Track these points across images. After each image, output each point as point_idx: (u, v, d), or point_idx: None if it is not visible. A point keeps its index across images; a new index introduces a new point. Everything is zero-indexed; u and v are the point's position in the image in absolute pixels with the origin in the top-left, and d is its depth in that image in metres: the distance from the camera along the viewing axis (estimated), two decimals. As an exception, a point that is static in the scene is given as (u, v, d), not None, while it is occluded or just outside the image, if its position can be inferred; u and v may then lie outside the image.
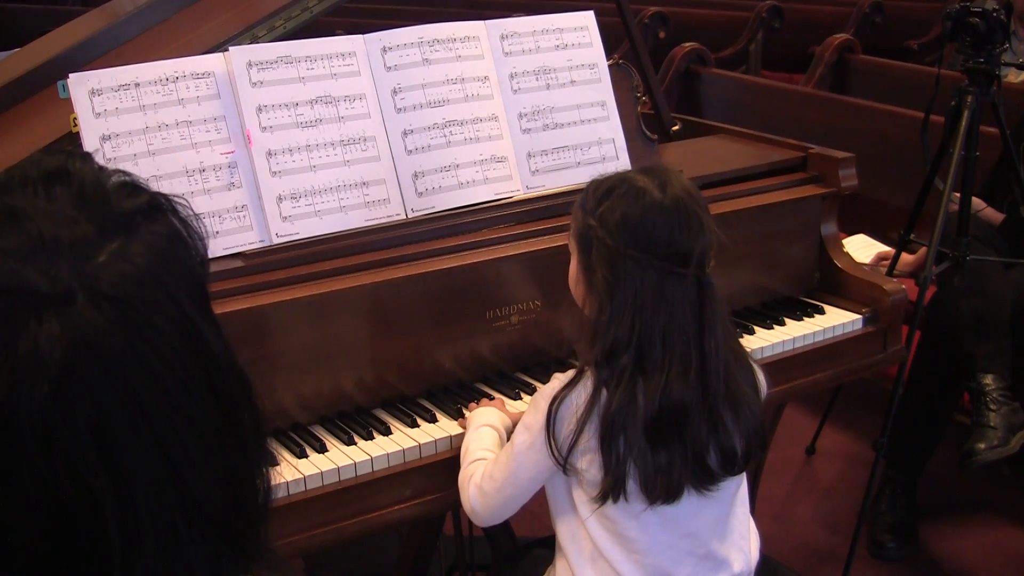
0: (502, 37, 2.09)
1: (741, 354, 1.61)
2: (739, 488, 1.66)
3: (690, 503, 1.56)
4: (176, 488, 0.74)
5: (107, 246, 0.73)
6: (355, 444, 1.75)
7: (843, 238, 2.46)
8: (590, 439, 1.52)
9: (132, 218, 0.76)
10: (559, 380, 1.58)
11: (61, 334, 0.69)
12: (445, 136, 2.00)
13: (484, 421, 1.74)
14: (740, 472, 1.61)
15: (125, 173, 0.80)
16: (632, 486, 1.51)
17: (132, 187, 0.79)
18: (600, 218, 1.53)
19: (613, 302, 1.51)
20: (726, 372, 1.53)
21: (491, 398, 1.87)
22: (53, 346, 0.68)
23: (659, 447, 1.50)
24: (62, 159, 0.79)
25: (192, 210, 0.82)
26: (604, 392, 1.51)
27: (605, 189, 1.56)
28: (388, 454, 1.73)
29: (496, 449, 1.69)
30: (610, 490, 1.51)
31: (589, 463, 1.54)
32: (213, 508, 0.76)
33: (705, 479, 1.54)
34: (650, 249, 1.49)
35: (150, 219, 0.77)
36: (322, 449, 1.73)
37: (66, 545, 0.71)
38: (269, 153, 1.84)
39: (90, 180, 0.77)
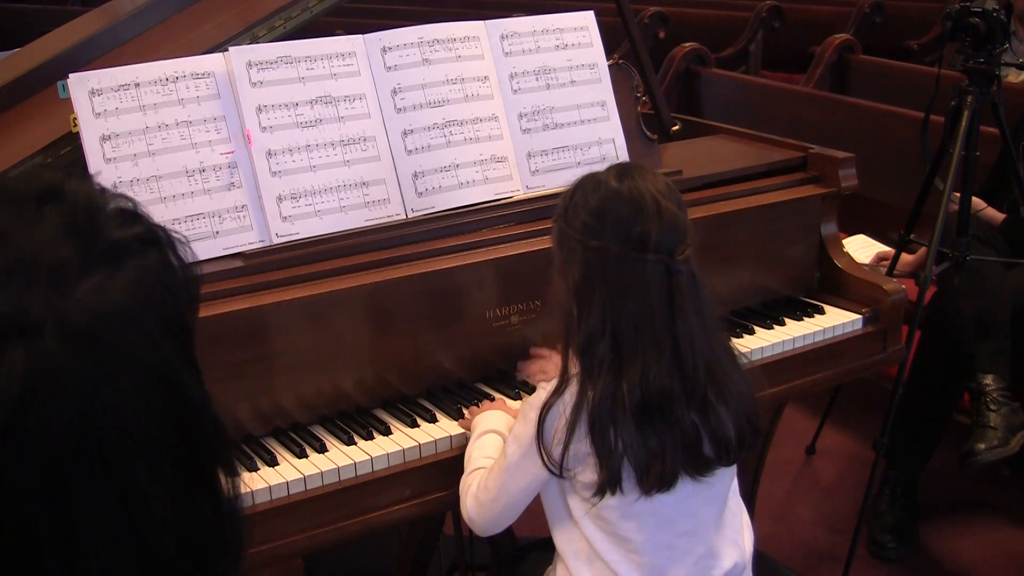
0: (502, 37, 2.09)
1: (730, 350, 1.62)
2: (731, 480, 1.67)
3: (686, 501, 1.57)
4: (132, 541, 0.71)
5: (88, 277, 0.69)
6: (355, 444, 1.75)
7: (843, 238, 2.46)
8: (581, 441, 1.52)
9: (122, 247, 0.72)
10: (544, 389, 1.59)
11: (23, 365, 0.66)
12: (445, 136, 2.00)
13: (488, 427, 1.74)
14: (735, 460, 1.61)
15: (127, 199, 0.76)
16: (627, 478, 1.52)
17: (130, 215, 0.75)
18: (567, 218, 1.56)
19: (583, 294, 1.53)
20: (708, 359, 1.53)
21: (491, 398, 1.87)
22: (12, 378, 0.65)
23: (649, 434, 1.50)
24: (59, 178, 0.75)
25: (190, 249, 0.78)
26: (589, 390, 1.52)
27: (571, 190, 1.59)
28: (388, 454, 1.73)
29: (498, 455, 1.69)
30: (606, 483, 1.52)
31: (584, 467, 1.54)
32: (171, 563, 0.73)
33: (700, 466, 1.54)
34: (611, 237, 1.51)
35: (141, 251, 0.74)
36: (322, 449, 1.73)
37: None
38: (269, 153, 1.84)
39: (83, 203, 0.74)
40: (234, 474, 0.81)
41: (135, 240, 0.74)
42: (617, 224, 1.51)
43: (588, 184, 1.57)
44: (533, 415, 1.56)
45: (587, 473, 1.54)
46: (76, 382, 0.67)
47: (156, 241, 0.75)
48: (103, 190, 0.76)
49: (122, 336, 0.70)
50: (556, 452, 1.54)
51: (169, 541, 0.73)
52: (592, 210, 1.53)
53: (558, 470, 1.55)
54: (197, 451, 0.76)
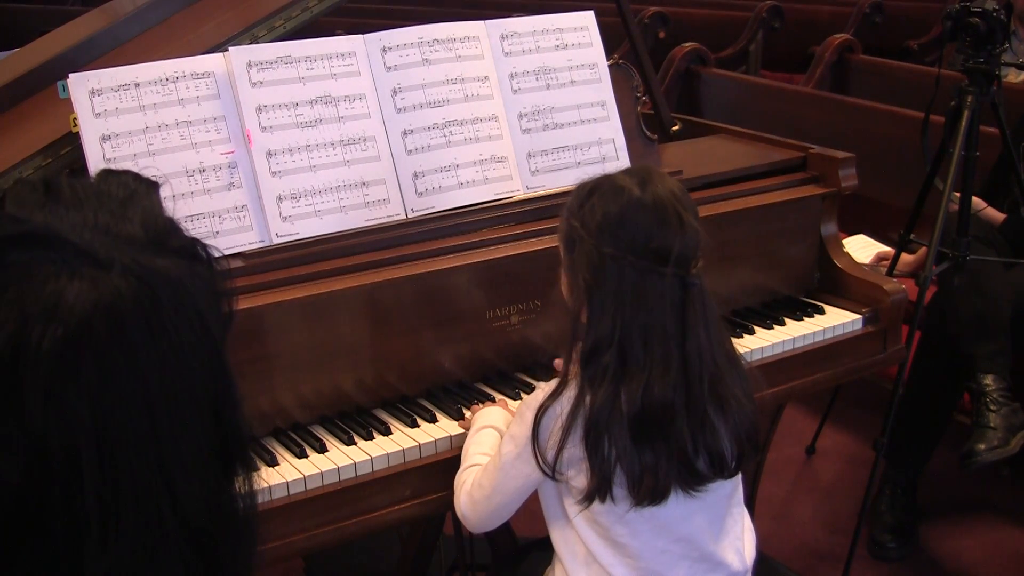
0: (502, 37, 2.09)
1: (735, 358, 1.60)
2: (734, 489, 1.66)
3: (681, 507, 1.56)
4: (164, 485, 0.74)
5: (150, 251, 0.76)
6: (355, 444, 1.75)
7: (843, 238, 2.46)
8: (575, 446, 1.52)
9: (176, 250, 0.79)
10: (543, 391, 1.58)
11: (89, 292, 0.71)
12: (445, 136, 2.00)
13: (486, 422, 1.74)
14: (732, 476, 1.59)
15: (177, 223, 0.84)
16: (618, 487, 1.51)
17: (180, 231, 0.83)
18: (582, 219, 1.53)
19: (594, 301, 1.51)
20: (712, 375, 1.52)
21: (492, 399, 1.87)
22: (78, 300, 0.70)
23: (644, 447, 1.49)
24: (130, 177, 0.85)
25: (229, 273, 0.85)
26: (588, 396, 1.50)
27: (588, 190, 1.56)
28: (388, 454, 1.73)
29: (494, 452, 1.69)
30: (596, 491, 1.51)
31: (576, 472, 1.53)
32: (194, 517, 0.76)
33: (693, 480, 1.53)
34: (629, 247, 1.48)
35: (191, 258, 0.80)
36: (322, 449, 1.73)
37: (39, 503, 0.70)
38: (269, 153, 1.84)
39: (148, 202, 0.82)
40: (250, 471, 0.84)
41: (187, 249, 0.81)
42: (638, 234, 1.49)
43: (608, 187, 1.53)
44: (530, 416, 1.56)
45: (580, 478, 1.53)
46: (135, 324, 0.72)
47: (199, 258, 0.82)
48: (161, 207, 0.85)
49: (177, 300, 0.75)
50: (550, 454, 1.53)
51: (191, 490, 0.76)
52: (612, 216, 1.50)
53: (551, 472, 1.54)
54: (224, 440, 0.79)
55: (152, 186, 0.85)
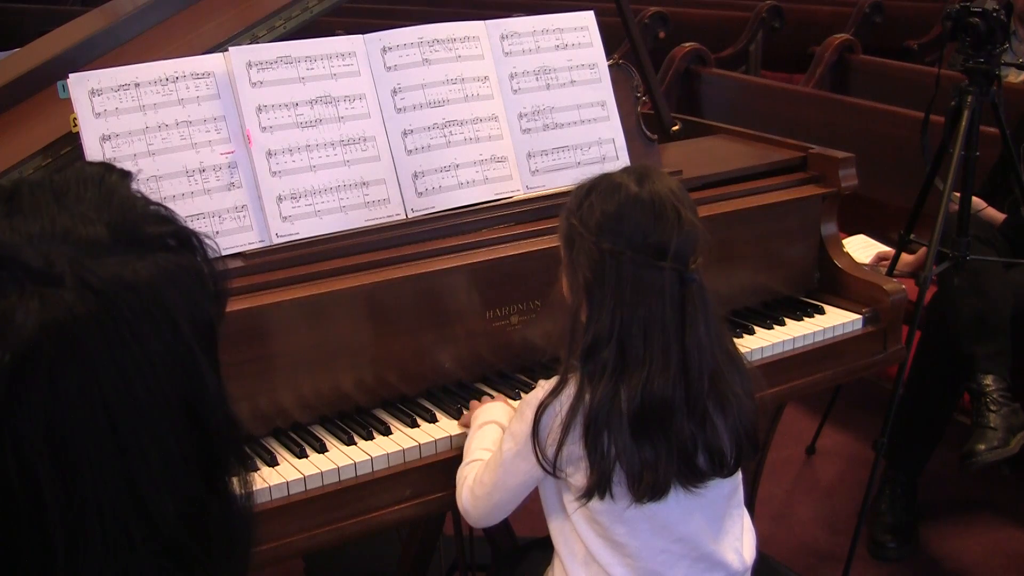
0: (502, 37, 2.09)
1: (735, 356, 1.60)
2: (734, 489, 1.66)
3: (680, 506, 1.56)
4: (132, 500, 0.72)
5: (115, 255, 0.73)
6: (355, 444, 1.75)
7: (843, 238, 2.46)
8: (575, 443, 1.52)
9: (153, 241, 0.76)
10: (543, 388, 1.59)
11: (39, 311, 0.68)
12: (445, 136, 2.00)
13: (488, 418, 1.74)
14: (731, 474, 1.60)
15: (165, 207, 0.80)
16: (618, 484, 1.51)
17: (165, 219, 0.79)
18: (581, 217, 1.54)
19: (594, 297, 1.52)
20: (712, 371, 1.52)
21: (492, 399, 1.87)
22: (27, 319, 0.67)
23: (644, 443, 1.50)
24: (101, 169, 0.80)
25: (221, 257, 0.80)
26: (587, 393, 1.51)
27: (586, 189, 1.57)
28: (388, 454, 1.73)
29: (496, 448, 1.69)
30: (595, 487, 1.51)
31: (576, 469, 1.54)
32: (168, 529, 0.74)
33: (693, 477, 1.53)
34: (627, 242, 1.49)
35: (172, 249, 0.77)
36: (322, 449, 1.73)
37: (2, 527, 0.69)
38: (269, 153, 1.84)
39: (120, 194, 0.78)
40: (245, 471, 0.82)
41: (167, 237, 0.77)
42: (635, 230, 1.50)
43: (605, 185, 1.55)
44: (529, 413, 1.56)
45: (579, 476, 1.54)
46: (88, 335, 0.69)
47: (188, 245, 0.78)
48: (144, 196, 0.80)
49: (141, 307, 0.72)
50: (550, 452, 1.54)
51: (165, 507, 0.73)
52: (610, 213, 1.51)
53: (552, 469, 1.55)
54: (206, 442, 0.77)
55: (124, 176, 0.81)
